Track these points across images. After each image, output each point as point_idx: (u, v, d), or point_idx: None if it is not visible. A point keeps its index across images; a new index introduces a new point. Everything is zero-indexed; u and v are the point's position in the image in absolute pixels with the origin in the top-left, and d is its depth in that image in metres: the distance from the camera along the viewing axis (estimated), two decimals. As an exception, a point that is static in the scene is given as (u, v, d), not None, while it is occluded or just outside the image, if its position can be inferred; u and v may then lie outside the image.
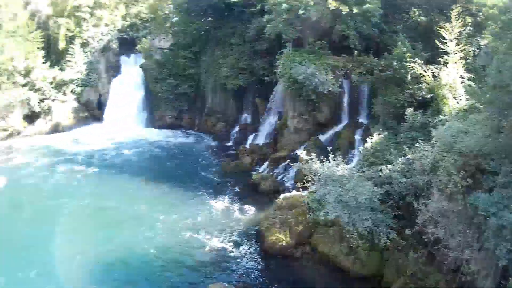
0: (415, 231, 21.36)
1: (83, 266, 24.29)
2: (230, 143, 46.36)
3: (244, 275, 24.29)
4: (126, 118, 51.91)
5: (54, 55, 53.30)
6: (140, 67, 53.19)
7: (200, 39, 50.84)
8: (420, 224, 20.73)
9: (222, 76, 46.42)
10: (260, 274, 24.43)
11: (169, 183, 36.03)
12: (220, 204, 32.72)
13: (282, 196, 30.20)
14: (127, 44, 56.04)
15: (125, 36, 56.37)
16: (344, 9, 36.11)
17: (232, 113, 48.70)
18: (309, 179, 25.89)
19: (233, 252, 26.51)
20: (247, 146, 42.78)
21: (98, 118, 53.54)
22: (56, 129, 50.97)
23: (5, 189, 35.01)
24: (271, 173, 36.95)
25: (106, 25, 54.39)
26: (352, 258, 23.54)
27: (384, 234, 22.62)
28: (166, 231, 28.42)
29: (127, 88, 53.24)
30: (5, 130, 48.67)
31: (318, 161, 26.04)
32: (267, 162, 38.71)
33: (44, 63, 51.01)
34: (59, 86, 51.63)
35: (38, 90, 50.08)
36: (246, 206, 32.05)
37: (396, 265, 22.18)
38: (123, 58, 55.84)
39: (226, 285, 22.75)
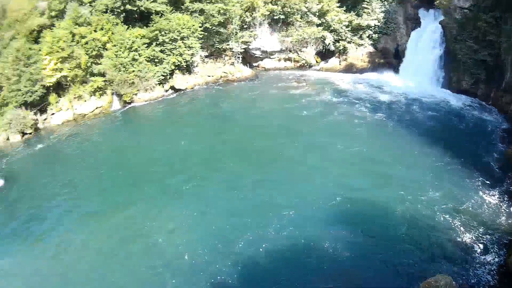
0: None
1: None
2: None
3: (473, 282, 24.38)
4: (422, 74, 54.63)
5: (349, 0, 60.61)
6: (440, 24, 53.55)
7: (501, 3, 46.04)
8: None
9: None
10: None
11: (442, 155, 37.39)
12: (490, 197, 31.27)
13: None
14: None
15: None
16: None
17: None
18: None
19: (474, 255, 26.14)
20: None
21: (394, 67, 58.37)
22: (348, 69, 60.75)
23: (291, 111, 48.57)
24: None
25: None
26: None
27: None
28: (421, 208, 30.13)
29: (425, 43, 54.91)
30: (296, 61, 62.57)
31: None
32: None
33: (340, 7, 59.60)
34: (355, 30, 60.08)
35: (333, 31, 60.15)
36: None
37: None
38: (421, 12, 56.70)
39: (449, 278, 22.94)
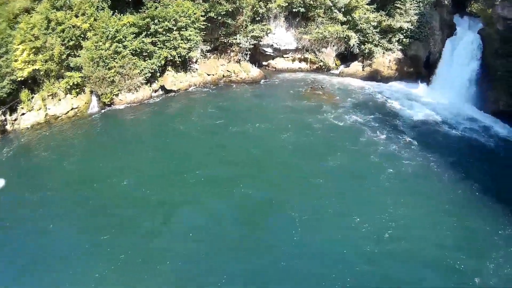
0: None
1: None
2: None
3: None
4: (455, 89, 48.93)
5: None
6: (479, 34, 47.43)
7: None
8: None
9: None
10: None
11: (476, 185, 33.63)
12: None
13: None
14: (458, 2, 51.04)
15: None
16: None
17: None
18: None
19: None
20: None
21: (423, 78, 52.35)
22: (372, 76, 53.88)
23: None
24: None
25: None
26: None
27: None
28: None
29: (462, 54, 48.76)
30: (313, 62, 55.62)
31: None
32: None
33: (369, 4, 52.63)
34: (384, 32, 52.91)
35: (359, 31, 53.30)
36: None
37: None
38: (456, 18, 50.98)
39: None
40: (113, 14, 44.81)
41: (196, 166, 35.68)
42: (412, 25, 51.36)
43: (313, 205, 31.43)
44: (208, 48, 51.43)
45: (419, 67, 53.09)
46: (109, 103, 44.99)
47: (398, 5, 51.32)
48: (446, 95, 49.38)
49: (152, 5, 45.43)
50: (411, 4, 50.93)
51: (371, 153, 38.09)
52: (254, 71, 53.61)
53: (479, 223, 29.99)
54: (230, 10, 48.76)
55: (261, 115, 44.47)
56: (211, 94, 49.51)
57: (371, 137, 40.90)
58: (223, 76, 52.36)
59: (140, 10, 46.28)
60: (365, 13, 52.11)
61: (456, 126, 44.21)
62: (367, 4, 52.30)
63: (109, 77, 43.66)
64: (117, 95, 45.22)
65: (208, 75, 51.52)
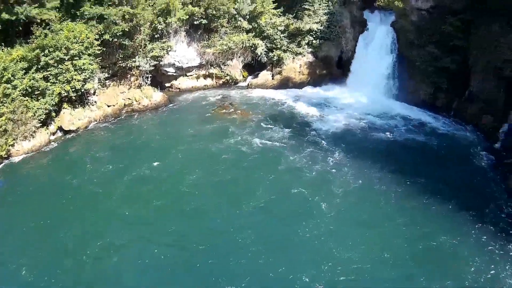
0: None
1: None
2: (497, 145, 40.12)
3: None
4: (374, 85, 49.18)
5: (285, 0, 51.70)
6: (392, 27, 48.64)
7: (474, 5, 42.65)
8: None
9: (500, 59, 40.12)
10: None
11: (421, 191, 32.08)
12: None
13: None
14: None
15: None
16: None
17: (499, 106, 42.11)
18: None
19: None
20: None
21: (336, 78, 52.20)
22: (284, 84, 52.10)
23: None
24: None
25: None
26: None
27: None
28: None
29: (376, 49, 49.62)
30: (219, 77, 52.03)
31: None
32: None
33: (275, 8, 50.43)
34: (293, 36, 51.35)
35: (266, 37, 50.90)
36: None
37: None
38: (366, 14, 51.39)
39: None
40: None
41: (86, 233, 27.98)
42: (321, 26, 50.43)
43: (236, 271, 24.91)
44: (106, 75, 44.21)
45: (332, 68, 52.84)
46: (6, 155, 35.74)
47: (306, 6, 50.21)
48: (365, 93, 49.64)
49: (41, 32, 37.27)
50: (319, 5, 50.11)
51: (296, 183, 32.94)
52: (156, 96, 47.72)
53: (441, 239, 27.92)
54: (126, 29, 42.47)
55: (163, 150, 37.88)
56: (111, 130, 42.13)
57: (291, 161, 36.32)
58: (124, 105, 45.64)
59: (29, 40, 37.78)
60: (271, 18, 49.74)
61: (382, 126, 43.48)
62: (273, 8, 49.91)
63: (0, 126, 34.64)
64: (12, 145, 36.13)
65: (109, 106, 44.41)
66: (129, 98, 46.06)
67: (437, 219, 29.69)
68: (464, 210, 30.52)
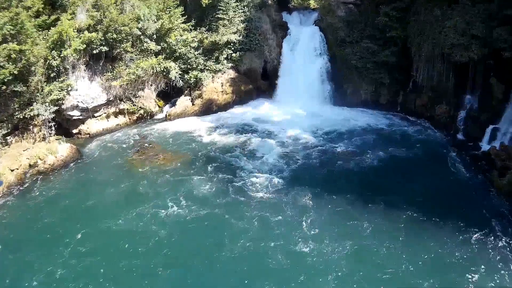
0: None
1: None
2: (460, 136, 38.64)
3: None
4: (304, 93, 45.38)
5: (195, 12, 46.24)
6: (317, 26, 45.60)
7: None
8: None
9: (447, 44, 38.34)
10: None
11: (397, 211, 27.51)
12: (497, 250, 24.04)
13: None
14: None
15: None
16: None
17: (449, 93, 40.73)
18: None
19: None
20: (497, 146, 33.79)
21: (264, 92, 47.65)
22: (207, 108, 45.58)
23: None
24: None
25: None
26: None
27: None
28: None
29: (300, 53, 46.17)
30: (132, 113, 44.17)
31: None
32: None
33: (185, 22, 44.51)
34: (210, 51, 45.56)
35: (179, 58, 44.55)
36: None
37: None
38: (285, 16, 48.30)
39: None
40: None
41: None
42: (240, 35, 45.11)
43: None
44: (6, 130, 34.31)
45: (258, 81, 48.13)
46: None
47: (220, 15, 44.57)
48: (298, 104, 45.72)
49: None
50: (235, 12, 44.61)
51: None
52: (63, 150, 37.85)
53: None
54: (15, 72, 33.06)
55: (76, 231, 26.87)
56: (11, 207, 30.77)
57: (235, 226, 26.82)
58: (30, 166, 35.69)
59: None
60: (181, 35, 43.11)
61: (326, 143, 37.69)
62: (182, 22, 43.37)
63: None
64: None
65: (12, 171, 34.28)
66: (34, 156, 36.09)
67: (424, 237, 25.56)
68: (452, 218, 26.92)
